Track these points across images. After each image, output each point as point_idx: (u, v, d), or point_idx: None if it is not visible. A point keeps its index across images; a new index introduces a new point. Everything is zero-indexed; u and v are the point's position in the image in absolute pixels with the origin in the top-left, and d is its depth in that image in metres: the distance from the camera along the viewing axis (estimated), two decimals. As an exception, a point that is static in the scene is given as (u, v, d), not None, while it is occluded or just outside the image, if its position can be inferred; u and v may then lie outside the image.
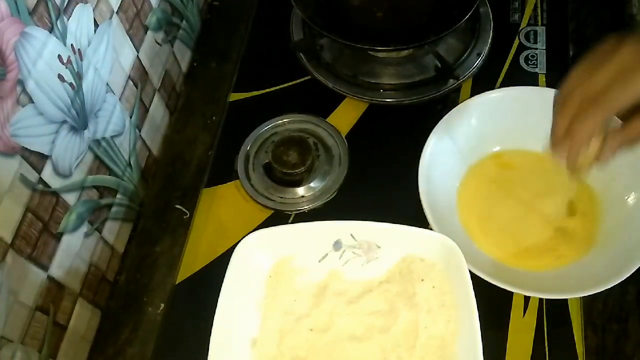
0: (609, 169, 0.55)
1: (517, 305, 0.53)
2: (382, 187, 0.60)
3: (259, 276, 0.50)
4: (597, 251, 0.52)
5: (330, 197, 0.61)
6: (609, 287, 0.47)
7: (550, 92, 0.57)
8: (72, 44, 0.51)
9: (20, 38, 0.44)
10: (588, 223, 0.55)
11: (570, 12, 0.73)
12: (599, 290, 0.47)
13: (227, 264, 0.48)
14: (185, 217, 0.62)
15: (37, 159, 0.47)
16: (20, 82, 0.44)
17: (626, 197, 0.54)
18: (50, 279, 0.51)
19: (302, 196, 0.61)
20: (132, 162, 0.64)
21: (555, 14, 0.71)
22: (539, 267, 0.53)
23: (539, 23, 0.70)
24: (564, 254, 0.53)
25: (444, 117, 0.57)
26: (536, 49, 0.69)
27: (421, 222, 0.51)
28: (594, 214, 0.55)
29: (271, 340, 0.47)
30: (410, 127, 0.64)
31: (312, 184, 0.61)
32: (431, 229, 0.50)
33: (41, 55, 0.46)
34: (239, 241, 0.49)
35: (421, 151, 0.55)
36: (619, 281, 0.47)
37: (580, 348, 0.51)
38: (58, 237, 0.51)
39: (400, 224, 0.48)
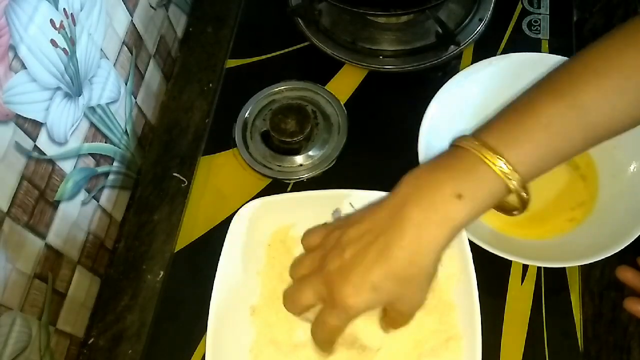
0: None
1: (515, 274, 0.53)
2: (381, 155, 0.60)
3: (258, 244, 0.50)
4: (596, 219, 0.52)
5: (329, 166, 0.60)
6: (608, 255, 0.47)
7: (554, 59, 0.57)
8: (64, 8, 0.49)
9: (10, 2, 0.43)
10: (587, 188, 0.55)
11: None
12: (597, 259, 0.47)
13: (226, 232, 0.48)
14: (183, 185, 0.61)
15: (31, 126, 0.47)
16: (12, 48, 0.43)
17: (627, 166, 0.53)
18: (48, 247, 0.51)
19: (301, 165, 0.60)
20: (128, 130, 0.63)
21: (560, -23, 0.69)
22: (537, 235, 0.53)
23: (543, -13, 0.69)
24: (562, 221, 0.53)
25: (444, 84, 0.56)
26: (540, 14, 0.67)
27: (421, 190, 0.50)
28: (593, 181, 0.55)
29: (270, 307, 0.48)
30: (411, 94, 0.63)
31: (310, 153, 0.61)
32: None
33: (33, 20, 0.45)
34: (237, 210, 0.49)
35: (421, 119, 0.54)
36: (618, 250, 0.47)
37: (577, 315, 0.51)
38: (55, 205, 0.51)
39: (400, 192, 0.48)
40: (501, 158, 0.38)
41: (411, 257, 0.38)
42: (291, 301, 0.43)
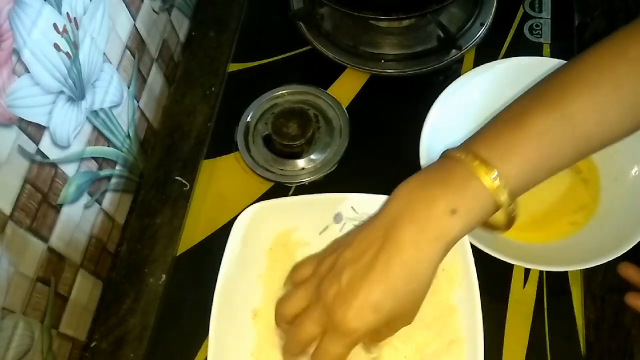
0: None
1: (517, 277, 0.53)
2: (383, 158, 0.60)
3: (260, 248, 0.50)
4: (598, 223, 0.52)
5: (331, 169, 0.60)
6: (610, 259, 0.47)
7: (556, 63, 0.57)
8: (67, 12, 0.50)
9: (14, 6, 0.43)
10: (589, 191, 0.55)
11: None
12: (599, 263, 0.47)
13: (228, 236, 0.48)
14: (185, 188, 0.61)
15: (34, 130, 0.47)
16: (16, 52, 0.43)
17: (628, 170, 0.53)
18: (51, 250, 0.51)
19: (303, 168, 0.61)
20: (131, 134, 0.63)
21: (561, -19, 0.70)
22: (539, 239, 0.53)
23: (545, -9, 0.69)
24: (564, 224, 0.53)
25: (446, 88, 0.56)
26: (541, 18, 0.67)
27: (422, 194, 0.50)
28: (595, 185, 0.55)
29: (272, 311, 0.48)
30: (412, 98, 0.63)
31: (312, 156, 0.61)
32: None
33: (36, 24, 0.46)
34: (239, 213, 0.49)
35: (423, 123, 0.54)
36: (620, 254, 0.47)
37: (579, 319, 0.51)
38: (58, 208, 0.51)
39: (402, 196, 0.48)
40: (492, 172, 0.38)
41: (410, 274, 0.38)
42: (292, 341, 0.42)
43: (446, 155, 0.41)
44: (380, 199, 0.48)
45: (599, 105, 0.39)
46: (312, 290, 0.41)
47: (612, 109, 0.39)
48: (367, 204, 0.49)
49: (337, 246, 0.42)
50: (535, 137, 0.39)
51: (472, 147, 0.40)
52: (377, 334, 0.42)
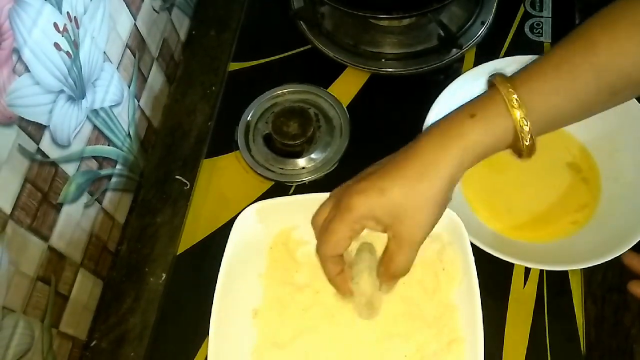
0: (612, 140, 0.55)
1: (517, 277, 0.53)
2: (383, 157, 0.60)
3: (260, 247, 0.50)
4: (598, 222, 0.52)
5: (331, 169, 0.60)
6: (610, 259, 0.47)
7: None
8: (67, 12, 0.49)
9: (14, 5, 0.43)
10: (589, 191, 0.55)
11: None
12: (599, 262, 0.47)
13: (228, 235, 0.48)
14: (185, 187, 0.61)
15: (35, 129, 0.47)
16: (16, 51, 0.43)
17: (628, 169, 0.53)
18: (51, 249, 0.51)
19: (303, 167, 0.61)
20: (131, 133, 0.63)
21: (562, -20, 0.69)
22: (540, 238, 0.53)
23: (545, -10, 0.69)
24: (565, 223, 0.53)
25: (446, 87, 0.56)
26: (542, 17, 0.67)
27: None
28: (596, 184, 0.55)
29: (272, 310, 0.48)
30: (413, 97, 0.63)
31: (312, 155, 0.61)
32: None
33: (36, 23, 0.46)
34: (240, 212, 0.49)
35: (423, 121, 0.54)
36: (620, 253, 0.47)
37: (579, 318, 0.51)
38: (58, 207, 0.51)
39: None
40: (512, 89, 0.40)
41: (423, 171, 0.40)
42: (318, 241, 0.44)
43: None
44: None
45: (618, 39, 0.40)
46: (335, 198, 0.44)
47: (631, 42, 0.40)
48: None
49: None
50: (555, 63, 0.41)
51: (501, 75, 0.42)
52: (389, 261, 0.42)
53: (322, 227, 0.43)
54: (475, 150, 0.41)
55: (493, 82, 0.42)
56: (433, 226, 0.42)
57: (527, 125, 0.40)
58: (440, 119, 0.43)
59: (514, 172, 0.56)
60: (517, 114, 0.40)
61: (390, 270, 0.43)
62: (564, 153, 0.57)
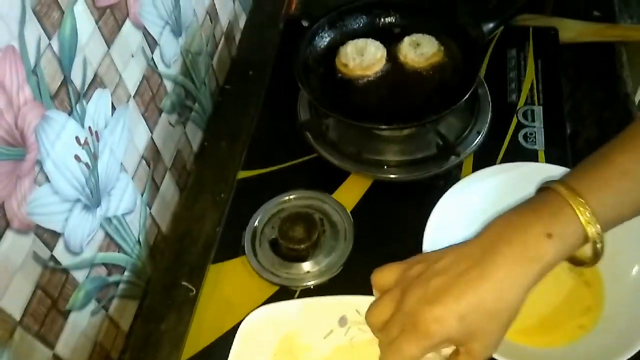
0: (612, 243, 0.55)
1: (528, 384, 0.51)
2: (387, 261, 0.60)
3: (265, 353, 0.49)
4: (605, 326, 0.51)
5: (336, 273, 0.61)
6: (621, 363, 0.46)
7: (551, 169, 0.59)
8: (89, 126, 0.53)
9: (41, 121, 0.46)
10: (593, 293, 0.55)
11: (567, 92, 0.76)
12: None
13: (232, 341, 0.48)
14: (191, 294, 0.62)
15: (50, 236, 0.48)
16: (39, 162, 0.46)
17: (629, 271, 0.53)
18: (56, 357, 0.50)
19: (308, 272, 0.61)
20: (141, 240, 0.65)
21: (551, 94, 0.74)
22: (547, 343, 0.52)
23: (536, 103, 0.73)
24: (572, 328, 0.52)
25: (446, 193, 0.58)
26: (534, 127, 0.71)
27: (427, 297, 0.50)
28: (598, 287, 0.55)
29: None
30: (414, 202, 0.65)
31: (317, 260, 0.62)
32: (437, 304, 0.50)
33: (60, 137, 0.49)
34: (244, 318, 0.49)
35: (425, 225, 0.56)
36: (629, 356, 0.46)
37: None
38: (66, 314, 0.52)
39: (406, 299, 0.48)
40: (583, 202, 0.40)
41: (501, 292, 0.39)
42: (382, 346, 0.42)
43: (539, 188, 0.44)
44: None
45: None
46: (399, 295, 0.42)
47: None
48: (371, 307, 0.49)
49: (426, 257, 0.44)
50: (620, 172, 0.42)
51: (563, 180, 0.43)
52: (451, 343, 0.41)
53: (390, 341, 0.41)
54: (550, 268, 0.41)
55: (555, 189, 0.42)
56: (504, 334, 0.41)
57: (600, 243, 0.41)
58: (505, 228, 0.42)
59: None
60: (593, 231, 0.40)
61: None
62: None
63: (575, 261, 0.46)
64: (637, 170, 0.42)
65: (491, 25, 0.71)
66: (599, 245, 0.41)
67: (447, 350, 0.43)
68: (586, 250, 0.42)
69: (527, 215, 0.42)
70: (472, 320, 0.39)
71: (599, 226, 0.40)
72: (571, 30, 0.80)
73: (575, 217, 0.40)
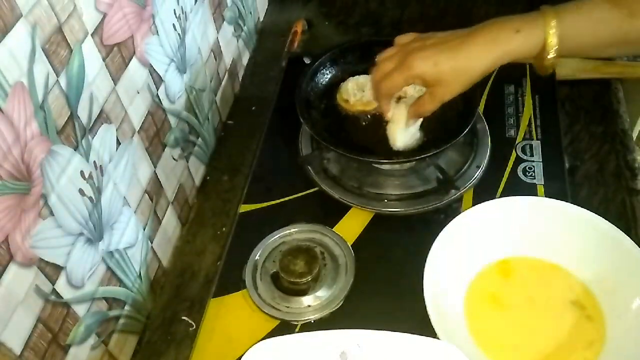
0: (612, 278, 0.55)
1: (532, 421, 0.51)
2: (388, 295, 0.61)
3: (265, 389, 0.49)
4: (606, 359, 0.51)
5: (337, 307, 0.61)
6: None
7: (550, 202, 0.60)
8: (94, 161, 0.54)
9: (47, 155, 0.47)
10: (595, 327, 0.54)
11: (565, 127, 0.77)
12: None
13: (233, 376, 0.47)
14: (191, 329, 0.61)
15: (52, 270, 0.49)
16: (43, 196, 0.47)
17: (630, 304, 0.53)
18: (53, 393, 0.50)
19: (309, 305, 0.61)
20: (142, 274, 0.65)
21: (549, 129, 0.75)
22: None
23: (534, 138, 0.74)
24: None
25: (446, 226, 0.58)
26: (533, 161, 0.71)
27: (429, 331, 0.50)
28: (600, 320, 0.54)
29: None
30: (415, 235, 0.65)
31: (318, 293, 0.62)
32: (439, 339, 0.49)
33: (65, 171, 0.50)
34: (244, 353, 0.48)
35: (426, 258, 0.56)
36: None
37: None
38: (66, 349, 0.51)
39: (408, 333, 0.48)
40: (555, 19, 0.54)
41: (470, 59, 0.56)
42: (384, 84, 0.60)
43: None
44: (386, 336, 0.48)
45: None
46: (402, 48, 0.60)
47: None
48: (372, 341, 0.49)
49: (422, 36, 0.61)
50: (597, 10, 0.54)
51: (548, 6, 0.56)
52: (420, 104, 0.61)
53: (385, 74, 0.60)
54: (511, 55, 0.55)
55: (542, 7, 0.55)
56: (458, 94, 0.59)
57: (554, 55, 0.54)
58: (491, 23, 0.57)
59: (519, 310, 0.56)
60: (552, 40, 0.53)
61: (418, 111, 0.63)
62: (567, 291, 0.57)
63: (536, 66, 0.59)
64: (614, 12, 0.53)
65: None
66: (550, 56, 0.55)
67: (421, 92, 0.63)
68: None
69: (511, 18, 0.56)
70: (443, 69, 0.56)
71: (556, 39, 0.54)
72: (568, 67, 0.82)
73: (542, 26, 0.54)
